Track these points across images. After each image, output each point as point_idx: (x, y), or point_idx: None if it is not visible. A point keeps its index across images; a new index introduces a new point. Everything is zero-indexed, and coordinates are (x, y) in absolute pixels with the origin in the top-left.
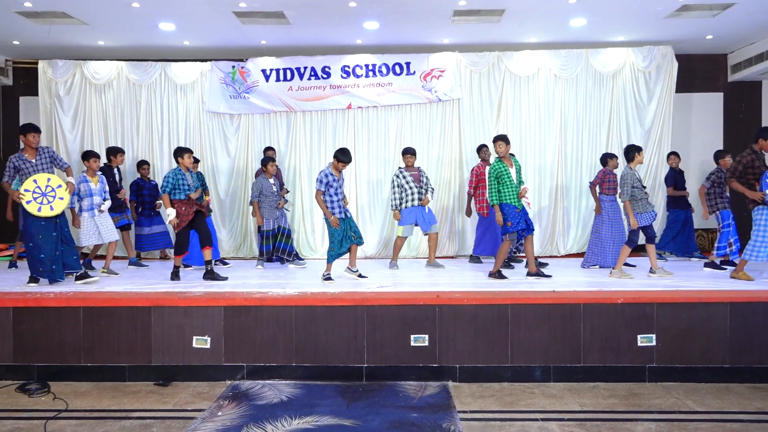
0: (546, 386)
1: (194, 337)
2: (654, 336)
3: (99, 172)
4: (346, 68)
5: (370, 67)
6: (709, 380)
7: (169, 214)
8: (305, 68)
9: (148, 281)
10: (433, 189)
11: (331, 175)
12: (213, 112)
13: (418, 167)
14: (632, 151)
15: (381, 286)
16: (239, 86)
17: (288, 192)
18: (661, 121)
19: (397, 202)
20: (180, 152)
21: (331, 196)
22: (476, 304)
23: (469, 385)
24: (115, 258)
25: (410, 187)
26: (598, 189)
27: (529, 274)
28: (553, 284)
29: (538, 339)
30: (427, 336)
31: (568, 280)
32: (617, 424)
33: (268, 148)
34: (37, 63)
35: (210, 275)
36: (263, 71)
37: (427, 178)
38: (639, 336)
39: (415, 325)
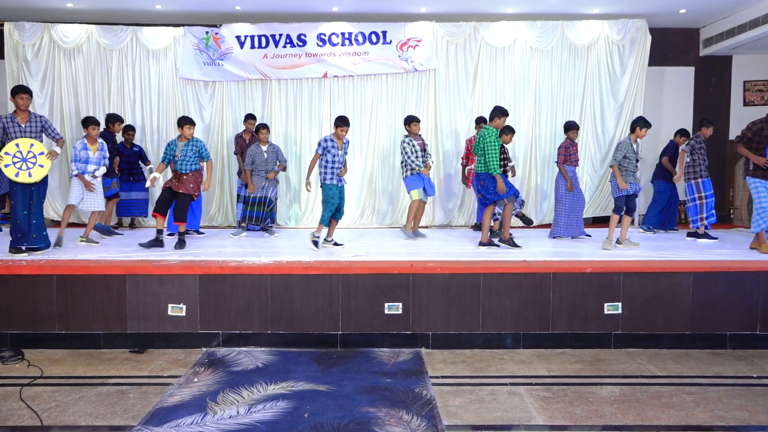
0: (515, 353)
1: (169, 305)
2: (620, 304)
3: (101, 139)
4: (322, 36)
5: (347, 36)
6: (671, 346)
7: (156, 177)
8: (280, 35)
9: (123, 249)
10: (433, 161)
11: (332, 141)
12: (186, 79)
13: (421, 135)
14: (637, 123)
15: (356, 255)
16: (213, 53)
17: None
18: (633, 94)
19: (415, 164)
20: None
21: (328, 162)
22: (449, 273)
23: (442, 351)
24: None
25: (417, 153)
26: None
27: (501, 240)
28: (524, 254)
29: (509, 307)
30: (400, 304)
31: (539, 250)
32: (582, 388)
33: (250, 116)
34: (2, 25)
35: (181, 245)
36: (237, 38)
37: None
38: (606, 304)
39: (389, 293)
